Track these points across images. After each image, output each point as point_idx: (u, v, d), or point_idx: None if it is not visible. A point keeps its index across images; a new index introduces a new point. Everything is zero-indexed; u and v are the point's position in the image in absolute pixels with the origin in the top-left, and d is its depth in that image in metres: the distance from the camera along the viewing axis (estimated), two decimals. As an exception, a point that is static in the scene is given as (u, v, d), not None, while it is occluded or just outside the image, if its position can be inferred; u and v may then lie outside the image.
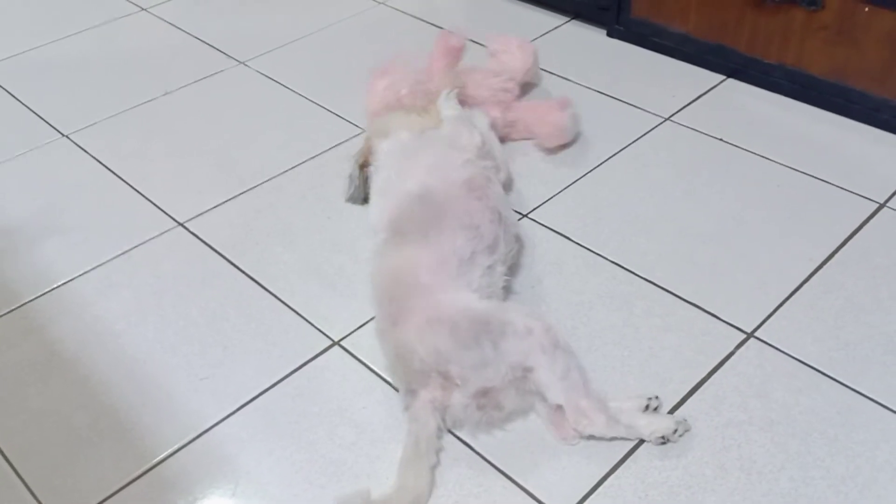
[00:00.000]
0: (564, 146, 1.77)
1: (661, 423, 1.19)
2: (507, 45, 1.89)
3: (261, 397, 1.30)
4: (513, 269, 1.46)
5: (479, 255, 1.32)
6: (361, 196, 1.62)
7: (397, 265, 1.31)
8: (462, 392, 1.18)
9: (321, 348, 1.38)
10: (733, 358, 1.32)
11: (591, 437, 1.20)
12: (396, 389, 1.28)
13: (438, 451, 1.20)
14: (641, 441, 1.20)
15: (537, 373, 1.18)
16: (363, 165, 1.60)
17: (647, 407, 1.22)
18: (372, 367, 1.34)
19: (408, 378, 1.22)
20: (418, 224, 1.34)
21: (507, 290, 1.42)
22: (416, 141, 1.52)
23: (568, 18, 2.24)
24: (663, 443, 1.20)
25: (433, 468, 1.17)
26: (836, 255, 1.49)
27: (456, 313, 1.21)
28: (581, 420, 1.18)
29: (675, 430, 1.19)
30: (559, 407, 1.19)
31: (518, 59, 1.87)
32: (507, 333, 1.18)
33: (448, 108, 1.62)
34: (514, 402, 1.22)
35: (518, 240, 1.48)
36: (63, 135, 1.92)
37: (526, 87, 1.94)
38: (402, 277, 1.28)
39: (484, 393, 1.19)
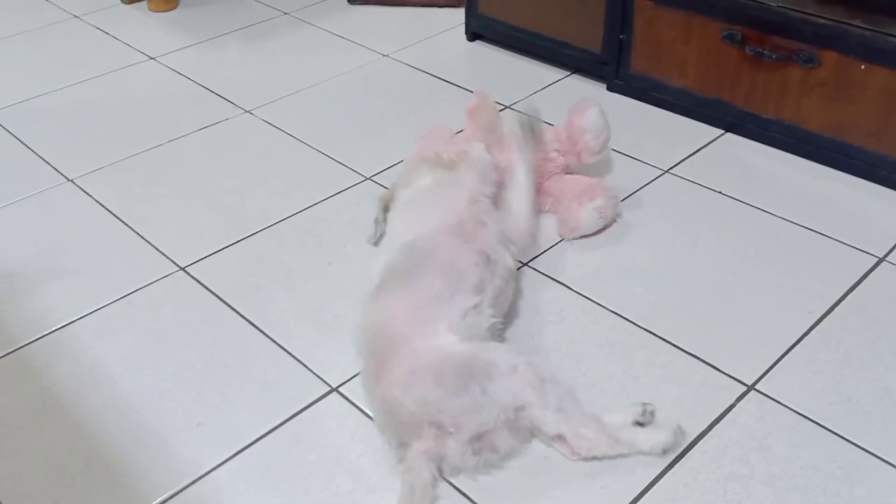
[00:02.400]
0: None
1: (659, 437, 1.23)
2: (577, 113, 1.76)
3: (257, 444, 1.29)
4: (508, 316, 1.44)
5: (461, 295, 1.31)
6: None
7: (375, 319, 1.31)
8: (456, 439, 1.18)
9: (319, 394, 1.37)
10: (734, 410, 1.31)
11: (595, 458, 1.21)
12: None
13: (433, 500, 1.18)
14: (641, 492, 1.19)
15: (530, 410, 1.19)
16: (386, 210, 1.62)
17: (643, 412, 1.26)
18: (370, 414, 1.33)
19: (398, 431, 1.21)
20: (399, 274, 1.34)
21: (502, 338, 1.41)
22: (424, 189, 1.54)
23: (568, 73, 2.28)
24: (664, 454, 1.22)
25: None
26: (836, 309, 1.49)
27: (437, 361, 1.20)
28: (583, 444, 1.20)
29: (675, 441, 1.23)
30: (560, 435, 1.20)
31: (578, 129, 1.74)
32: (493, 375, 1.18)
33: (475, 151, 1.59)
34: (509, 443, 1.21)
35: (511, 283, 1.45)
36: (68, 179, 1.94)
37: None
38: (380, 331, 1.28)
39: (478, 437, 1.18)
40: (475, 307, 1.31)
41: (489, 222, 1.45)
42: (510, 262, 1.43)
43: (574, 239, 1.67)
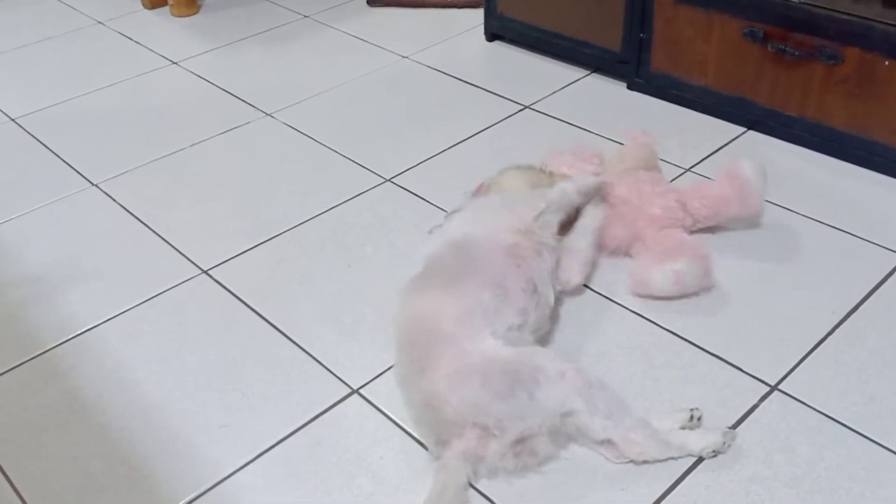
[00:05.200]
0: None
1: (710, 439, 1.23)
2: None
3: (279, 446, 1.30)
4: (541, 341, 1.41)
5: (506, 311, 1.30)
6: None
7: (420, 312, 1.31)
8: (499, 442, 1.18)
9: (340, 396, 1.38)
10: (756, 411, 1.30)
11: (645, 461, 1.22)
12: (421, 444, 1.27)
13: (464, 503, 1.18)
14: (663, 494, 1.18)
15: (578, 416, 1.19)
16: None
17: (691, 418, 1.25)
18: (391, 415, 1.33)
19: (439, 428, 1.21)
20: (448, 270, 1.34)
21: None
22: (499, 197, 1.53)
23: (588, 72, 2.27)
24: (715, 456, 1.22)
25: None
26: (860, 309, 1.47)
27: (484, 363, 1.20)
28: (633, 448, 1.20)
29: (724, 442, 1.22)
30: (608, 440, 1.20)
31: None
32: (540, 381, 1.18)
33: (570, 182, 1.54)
34: (548, 448, 1.21)
35: (550, 320, 1.44)
36: (92, 184, 1.96)
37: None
38: (425, 325, 1.28)
39: (520, 441, 1.18)
40: (519, 327, 1.31)
41: (545, 255, 1.42)
42: (552, 300, 1.41)
43: (643, 297, 1.52)
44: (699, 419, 1.26)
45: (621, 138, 1.96)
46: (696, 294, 1.51)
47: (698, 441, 1.22)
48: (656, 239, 1.55)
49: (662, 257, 1.49)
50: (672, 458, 1.22)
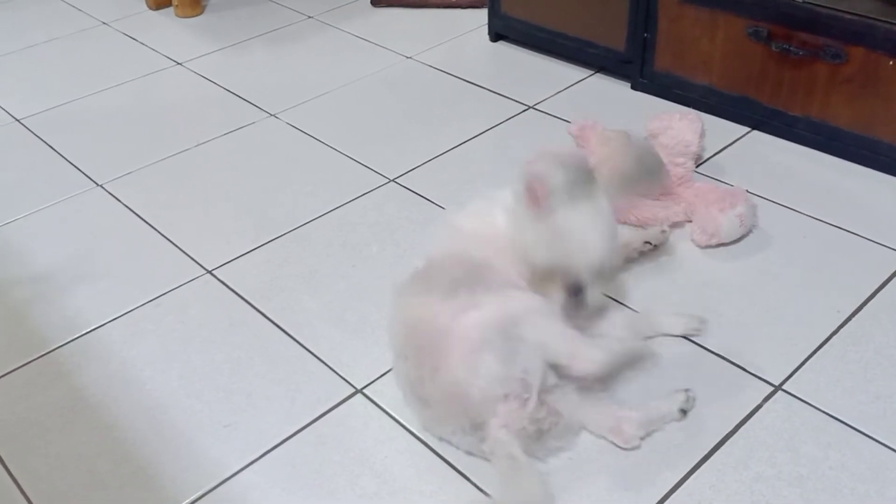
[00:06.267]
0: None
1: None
2: (668, 120, 1.77)
3: (283, 445, 1.30)
4: None
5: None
6: None
7: (418, 316, 1.29)
8: (531, 402, 1.19)
9: (344, 396, 1.38)
10: (761, 411, 1.30)
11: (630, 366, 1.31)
12: (425, 444, 1.27)
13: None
14: (667, 493, 1.18)
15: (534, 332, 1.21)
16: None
17: (686, 398, 1.29)
18: (394, 415, 1.33)
19: (470, 414, 1.20)
20: (455, 281, 1.29)
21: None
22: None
23: (592, 72, 2.27)
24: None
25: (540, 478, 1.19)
26: (865, 308, 1.47)
27: (481, 334, 1.20)
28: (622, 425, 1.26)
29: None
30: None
31: (686, 131, 1.75)
32: (517, 323, 1.21)
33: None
34: (566, 406, 1.24)
35: None
36: (97, 184, 1.97)
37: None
38: (425, 327, 1.27)
39: (542, 398, 1.21)
40: None
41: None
42: None
43: (710, 247, 1.61)
44: (694, 399, 1.31)
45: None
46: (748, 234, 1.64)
47: (675, 324, 1.36)
48: (698, 193, 1.67)
49: (721, 207, 1.60)
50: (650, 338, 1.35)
